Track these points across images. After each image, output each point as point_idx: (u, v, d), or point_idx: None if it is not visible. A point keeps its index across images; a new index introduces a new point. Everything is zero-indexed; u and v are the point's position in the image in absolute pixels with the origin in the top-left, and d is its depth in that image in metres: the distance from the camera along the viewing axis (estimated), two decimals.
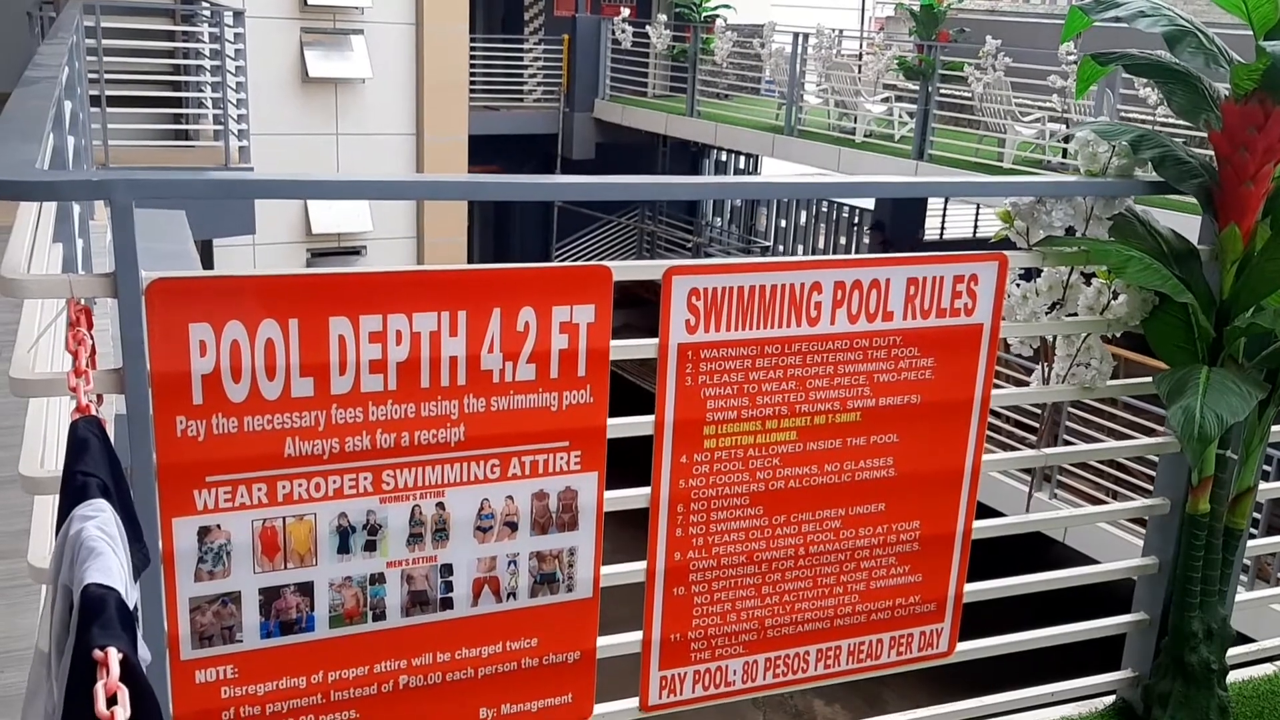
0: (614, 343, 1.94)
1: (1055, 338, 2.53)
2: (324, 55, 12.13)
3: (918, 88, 12.33)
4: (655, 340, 2.00)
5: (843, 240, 18.03)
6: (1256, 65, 2.23)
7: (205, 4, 10.04)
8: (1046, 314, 2.42)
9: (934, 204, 17.37)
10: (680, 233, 18.44)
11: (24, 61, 9.85)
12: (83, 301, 1.64)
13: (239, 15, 8.86)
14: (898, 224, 16.49)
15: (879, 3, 23.81)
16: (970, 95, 11.86)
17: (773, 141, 14.10)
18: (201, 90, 10.12)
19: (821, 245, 18.52)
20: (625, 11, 16.58)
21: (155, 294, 1.62)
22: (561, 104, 17.23)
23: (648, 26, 16.21)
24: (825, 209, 18.25)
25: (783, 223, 19.25)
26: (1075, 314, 2.46)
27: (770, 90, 17.85)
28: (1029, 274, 2.46)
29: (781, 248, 18.95)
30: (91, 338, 1.60)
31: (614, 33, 16.69)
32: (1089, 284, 2.45)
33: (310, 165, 12.09)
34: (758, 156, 18.70)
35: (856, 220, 17.44)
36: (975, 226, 17.56)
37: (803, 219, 18.70)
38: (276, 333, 1.69)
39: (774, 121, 14.37)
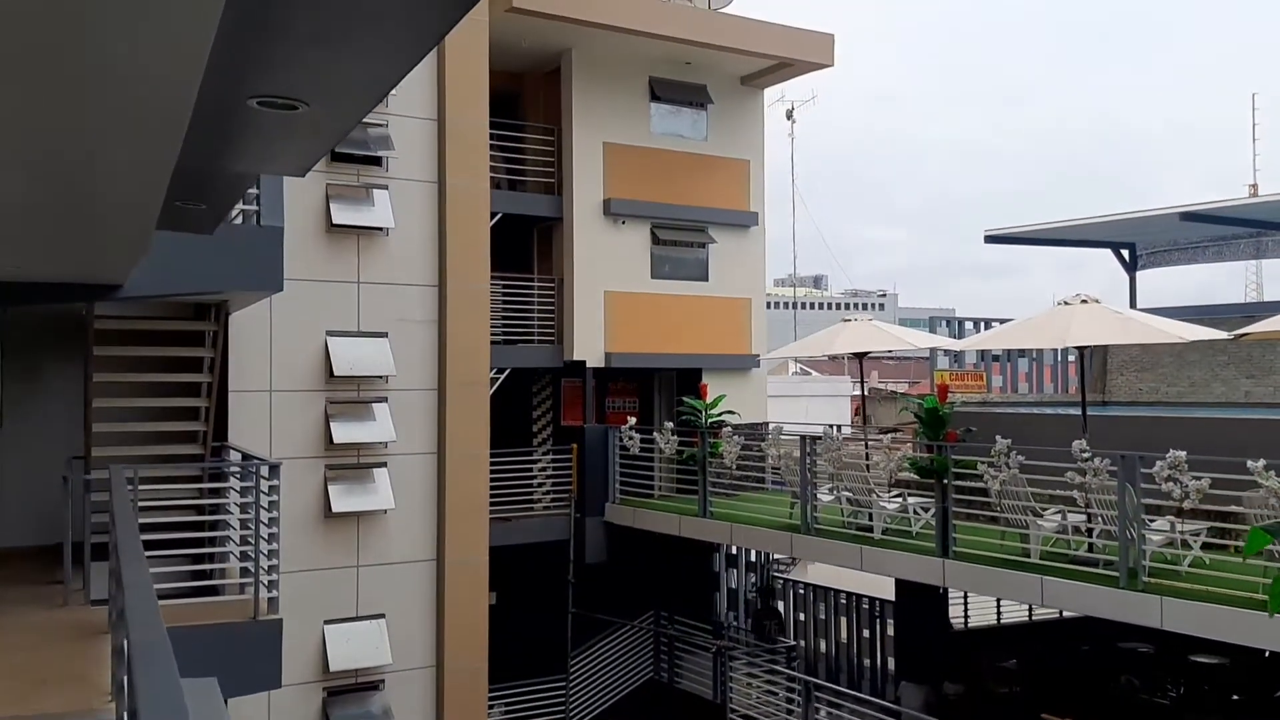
0: None
1: None
2: (348, 206, 12.83)
3: (932, 483, 12.54)
4: None
5: (865, 633, 17.63)
6: None
7: (236, 458, 10.28)
8: None
9: (955, 593, 17.12)
10: (698, 634, 17.97)
11: (57, 517, 9.89)
12: None
13: (275, 468, 9.02)
14: (920, 614, 16.15)
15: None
16: (986, 491, 12.02)
17: (791, 540, 14.12)
18: (227, 534, 10.14)
19: (844, 639, 18.08)
20: (632, 420, 17.16)
21: None
22: (572, 510, 17.41)
23: (655, 433, 16.74)
24: (844, 600, 17.99)
25: (801, 616, 18.92)
26: None
27: (777, 484, 18.22)
28: None
29: (802, 643, 18.48)
30: None
31: (621, 439, 17.20)
32: None
33: (332, 311, 12.63)
34: (768, 553, 18.73)
35: (879, 611, 17.13)
36: (998, 615, 17.22)
37: (821, 611, 18.38)
38: None
39: (788, 520, 14.48)
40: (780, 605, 19.26)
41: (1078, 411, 12.23)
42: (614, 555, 17.36)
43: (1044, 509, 11.75)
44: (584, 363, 17.71)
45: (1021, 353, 19.54)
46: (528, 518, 17.23)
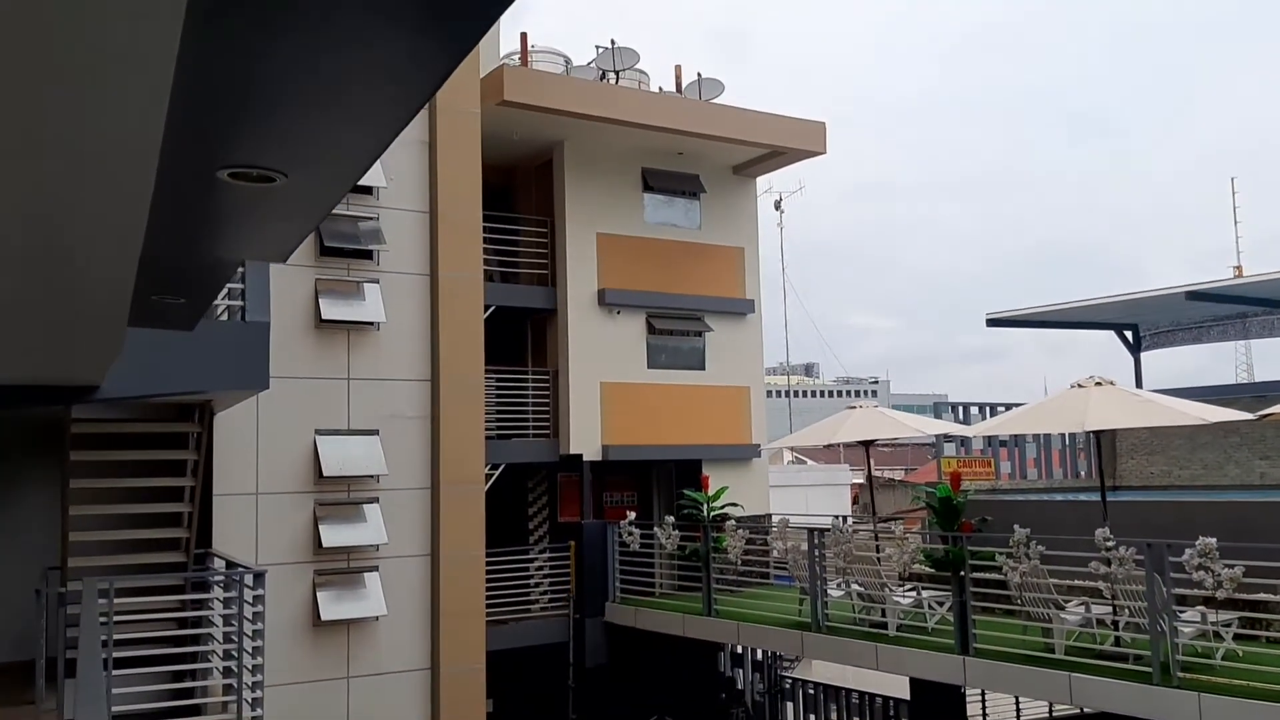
0: None
1: None
2: (337, 301, 12.46)
3: (947, 575, 12.03)
4: None
5: None
6: None
7: (220, 565, 9.77)
8: None
9: (973, 690, 16.42)
10: None
11: (31, 631, 9.33)
12: None
13: (260, 576, 8.52)
14: (938, 712, 15.45)
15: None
16: (1005, 583, 11.52)
17: (802, 640, 13.53)
18: (210, 647, 9.58)
19: None
20: (631, 514, 16.65)
21: None
22: (571, 610, 16.78)
23: (655, 528, 16.21)
24: (857, 700, 17.25)
25: (811, 718, 18.13)
26: None
27: (781, 577, 17.63)
28: None
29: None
30: None
31: (621, 535, 16.67)
32: None
33: (321, 409, 12.24)
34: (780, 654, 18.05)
35: (893, 712, 16.39)
36: (1018, 712, 16.51)
37: (833, 713, 17.61)
38: None
39: (798, 617, 13.90)
40: (790, 706, 18.47)
41: (1091, 497, 11.83)
42: (615, 657, 16.69)
43: (1066, 600, 11.24)
44: (581, 456, 17.26)
45: (1031, 438, 19.18)
46: (524, 619, 16.58)
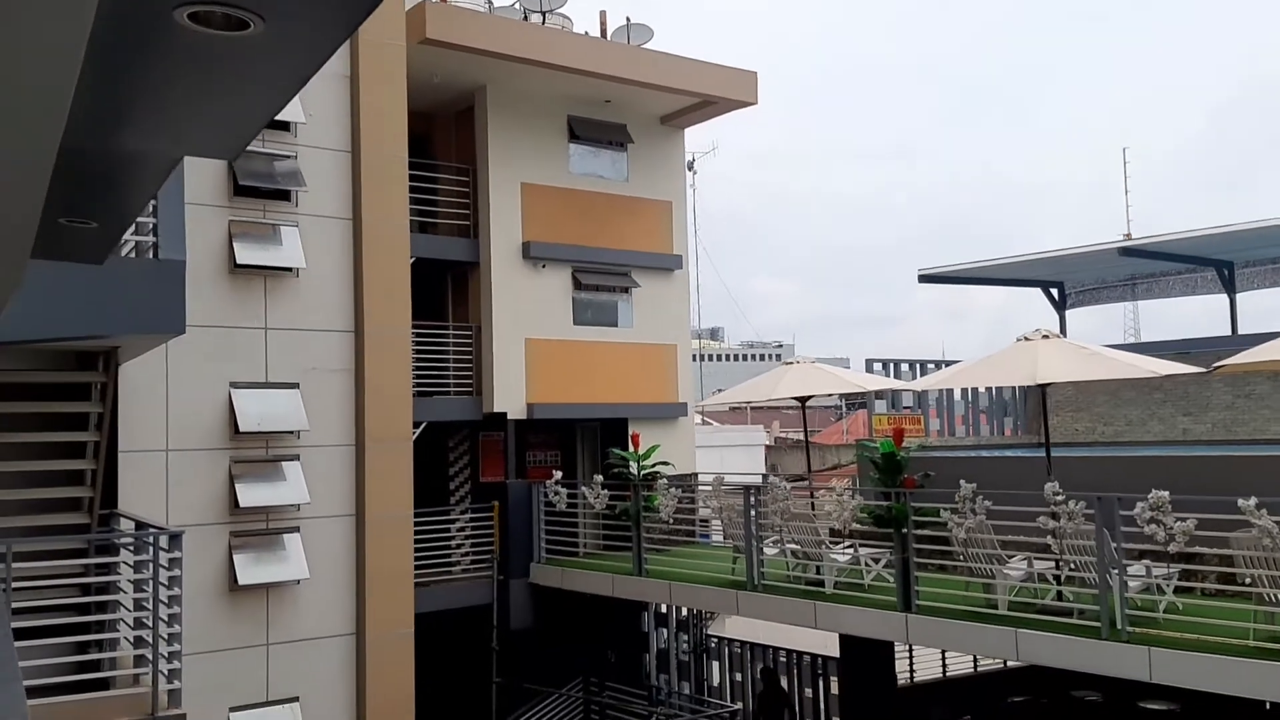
0: None
1: None
2: (253, 245, 11.63)
3: (885, 532, 11.87)
4: None
5: (809, 691, 16.79)
6: None
7: (128, 526, 9.00)
8: None
9: (901, 646, 16.44)
10: (632, 700, 16.89)
11: None
12: None
13: (176, 538, 7.81)
14: (867, 669, 15.40)
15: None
16: (946, 539, 11.38)
17: (737, 598, 13.26)
18: (119, 615, 8.83)
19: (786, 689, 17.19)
20: (557, 474, 16.17)
21: None
22: (495, 572, 16.27)
23: (583, 488, 15.77)
24: (785, 659, 17.14)
25: (738, 676, 17.99)
26: None
27: (705, 537, 17.37)
28: None
29: (740, 705, 17.53)
30: None
31: (547, 495, 16.20)
32: None
33: (236, 361, 11.42)
34: (702, 611, 17.84)
35: (821, 669, 16.32)
36: (944, 667, 16.58)
37: (758, 670, 17.47)
38: None
39: (731, 575, 13.64)
40: (715, 665, 18.32)
41: (1026, 454, 11.74)
42: (539, 619, 16.25)
43: (1009, 556, 11.15)
44: (505, 415, 16.68)
45: (960, 395, 19.20)
46: (446, 582, 16.00)
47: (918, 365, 18.90)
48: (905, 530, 11.31)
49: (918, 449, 13.68)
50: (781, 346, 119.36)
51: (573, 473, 17.97)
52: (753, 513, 12.97)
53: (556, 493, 15.99)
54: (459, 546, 16.47)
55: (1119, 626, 9.59)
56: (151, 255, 7.90)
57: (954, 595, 11.34)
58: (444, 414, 16.36)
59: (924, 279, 19.99)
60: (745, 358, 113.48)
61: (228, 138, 3.19)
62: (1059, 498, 10.01)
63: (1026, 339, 10.91)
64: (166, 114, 2.96)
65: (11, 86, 2.59)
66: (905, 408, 19.20)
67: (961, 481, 10.92)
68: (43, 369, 9.19)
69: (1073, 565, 10.47)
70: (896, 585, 11.47)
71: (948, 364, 18.11)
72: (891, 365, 18.85)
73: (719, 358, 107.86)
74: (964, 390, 19.10)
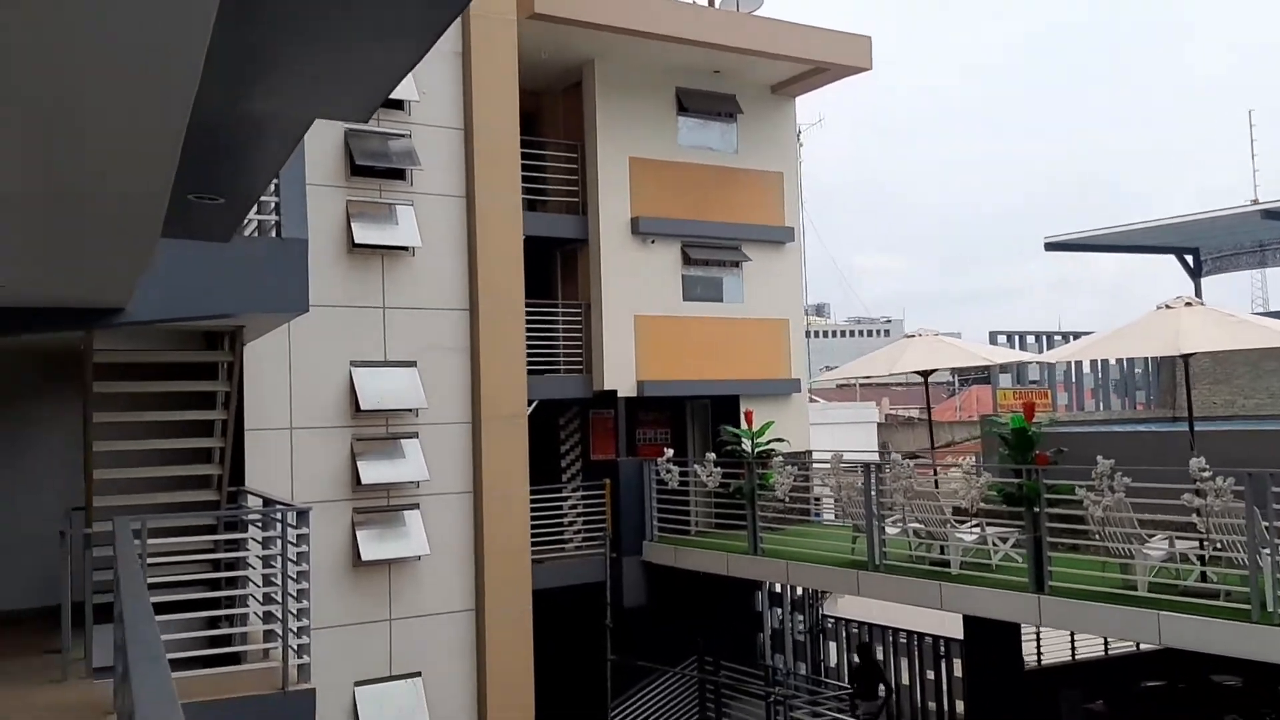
0: None
1: None
2: (370, 224, 11.73)
3: (1015, 511, 11.40)
4: None
5: (929, 674, 16.38)
6: None
7: (255, 503, 9.13)
8: None
9: (1027, 628, 15.89)
10: (747, 680, 16.71)
11: (54, 576, 8.74)
12: None
13: (304, 514, 7.87)
14: (992, 652, 14.92)
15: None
16: (1080, 518, 10.88)
17: (858, 578, 12.93)
18: (248, 591, 8.99)
19: (905, 680, 16.83)
20: (669, 452, 16.00)
21: None
22: (607, 550, 16.21)
23: (695, 466, 15.58)
24: (904, 640, 16.75)
25: (855, 657, 17.64)
26: None
27: (817, 516, 17.02)
28: None
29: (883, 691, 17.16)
30: None
31: (658, 473, 16.05)
32: None
33: (356, 340, 11.60)
34: (818, 591, 17.54)
35: (943, 651, 15.89)
36: (1073, 649, 15.98)
37: (879, 652, 17.12)
38: None
39: (850, 555, 13.31)
40: (833, 646, 18.01)
41: (1163, 429, 11.12)
42: (652, 597, 16.16)
43: (1150, 535, 10.59)
44: (615, 392, 16.58)
45: (1089, 368, 18.40)
46: (559, 559, 16.01)
47: (1044, 337, 18.17)
48: (1037, 509, 10.84)
49: (1049, 424, 13.12)
50: (890, 322, 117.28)
51: (683, 450, 17.80)
52: (874, 491, 12.62)
53: (668, 470, 15.83)
54: (571, 524, 16.47)
55: (1270, 609, 9.02)
56: (274, 234, 7.94)
57: (1089, 576, 10.84)
58: (554, 392, 16.33)
59: (1050, 246, 19.19)
60: (852, 334, 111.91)
61: (360, 97, 3.05)
62: (1205, 474, 9.44)
63: (1167, 307, 10.31)
64: (301, 73, 2.83)
65: (144, 49, 2.48)
66: (1031, 382, 18.49)
67: (1099, 458, 10.39)
68: (171, 349, 9.37)
69: (1219, 545, 9.89)
70: (1028, 565, 11.00)
71: (1073, 336, 17.35)
72: (1017, 337, 18.15)
73: (825, 334, 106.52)
74: (1093, 363, 18.31)
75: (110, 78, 2.66)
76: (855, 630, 17.76)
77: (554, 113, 17.56)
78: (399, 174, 12.03)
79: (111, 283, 6.30)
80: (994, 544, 12.04)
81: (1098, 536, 10.74)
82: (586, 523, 16.40)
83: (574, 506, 16.56)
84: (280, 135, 4.01)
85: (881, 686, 15.87)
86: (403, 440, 11.65)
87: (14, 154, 3.43)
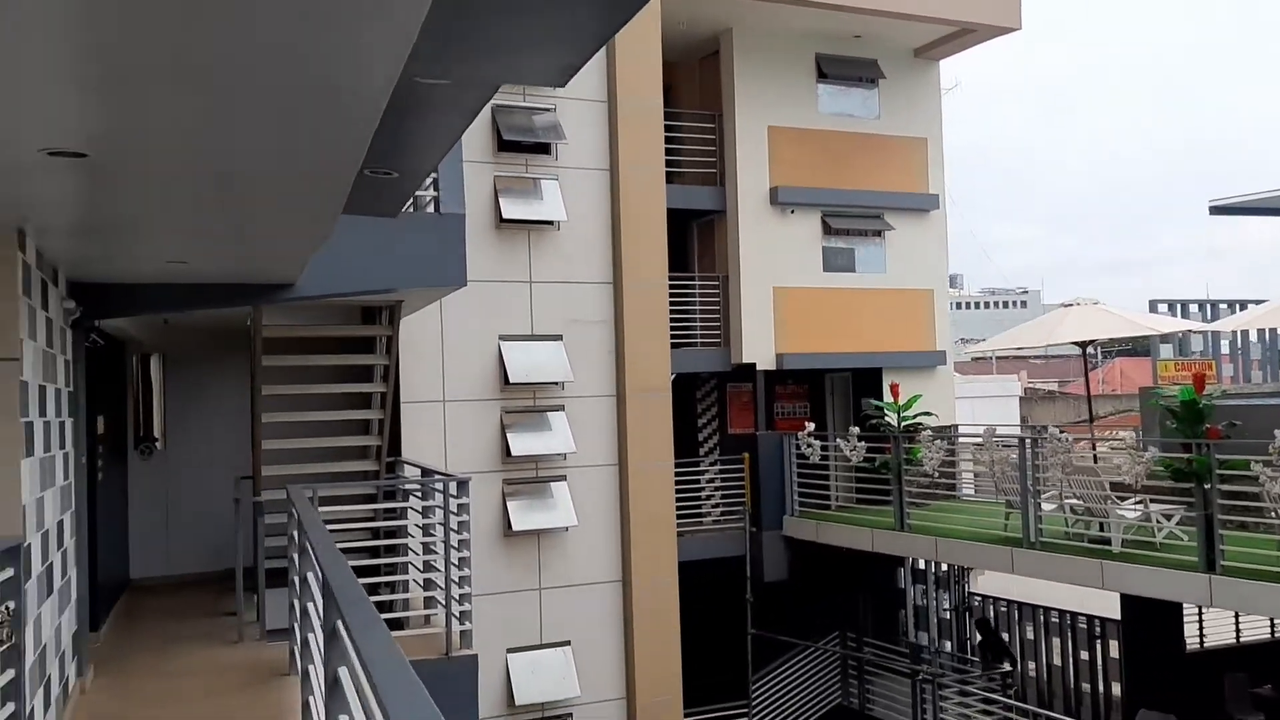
0: None
1: None
2: (517, 199, 11.84)
3: (1181, 488, 10.87)
4: None
5: (1084, 654, 15.85)
6: None
7: (413, 474, 9.34)
8: None
9: (1188, 609, 15.21)
10: (890, 657, 16.46)
11: (225, 542, 9.13)
12: None
13: (464, 484, 8.02)
14: (1152, 633, 14.33)
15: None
16: (1254, 495, 10.31)
17: (1012, 556, 12.55)
18: (408, 559, 9.22)
19: (1057, 661, 16.33)
20: (810, 425, 15.79)
21: None
22: (746, 524, 16.12)
23: (838, 440, 15.34)
24: (1056, 619, 16.25)
25: (1005, 635, 17.20)
26: None
27: (961, 492, 16.57)
28: None
29: (1008, 666, 16.75)
30: None
31: (799, 447, 15.86)
32: None
33: (504, 314, 11.80)
34: (965, 568, 17.13)
35: (1099, 631, 15.34)
36: (1237, 632, 15.23)
37: (1029, 631, 16.66)
38: None
39: (1003, 532, 12.92)
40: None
41: None
42: (793, 572, 16.02)
43: None
44: (754, 365, 16.42)
45: (1256, 338, 17.40)
46: (697, 533, 16.00)
47: (1207, 305, 17.26)
48: (1208, 485, 10.31)
49: (1219, 396, 12.45)
50: (1026, 293, 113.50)
51: (822, 424, 17.56)
52: (1030, 466, 12.20)
53: (809, 444, 15.63)
54: (708, 498, 16.43)
55: None
56: (432, 210, 8.07)
57: (1262, 555, 10.27)
58: (692, 365, 16.25)
59: (1216, 210, 18.14)
60: (986, 305, 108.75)
61: (562, 61, 3.01)
62: None
63: None
64: (505, 35, 2.81)
65: (364, 21, 2.48)
66: (1194, 352, 17.60)
67: (1277, 432, 9.82)
68: (331, 324, 9.65)
69: None
70: (1198, 544, 10.49)
71: (1239, 305, 16.38)
72: (1179, 306, 17.26)
73: (959, 306, 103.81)
74: (1260, 332, 17.31)
75: (321, 48, 2.67)
76: (1004, 609, 17.30)
77: (690, 83, 17.41)
78: (544, 148, 12.11)
79: (287, 260, 6.48)
80: (1158, 521, 11.53)
81: (1274, 514, 10.17)
82: (724, 497, 16.34)
83: (711, 480, 16.52)
84: (462, 107, 4.02)
85: (1007, 659, 15.61)
86: (549, 413, 11.78)
87: (222, 135, 3.51)
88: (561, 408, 11.88)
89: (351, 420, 9.61)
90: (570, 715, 11.33)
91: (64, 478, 6.40)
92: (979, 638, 15.99)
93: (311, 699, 5.10)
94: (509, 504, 11.12)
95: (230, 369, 10.71)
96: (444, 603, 7.96)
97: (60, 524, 6.27)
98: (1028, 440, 12.38)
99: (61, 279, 6.51)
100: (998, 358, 49.48)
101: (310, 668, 5.17)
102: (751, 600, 15.92)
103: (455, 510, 8.04)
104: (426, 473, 9.19)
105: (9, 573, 4.66)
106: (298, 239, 5.72)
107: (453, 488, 8.06)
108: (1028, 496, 12.23)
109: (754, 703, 15.81)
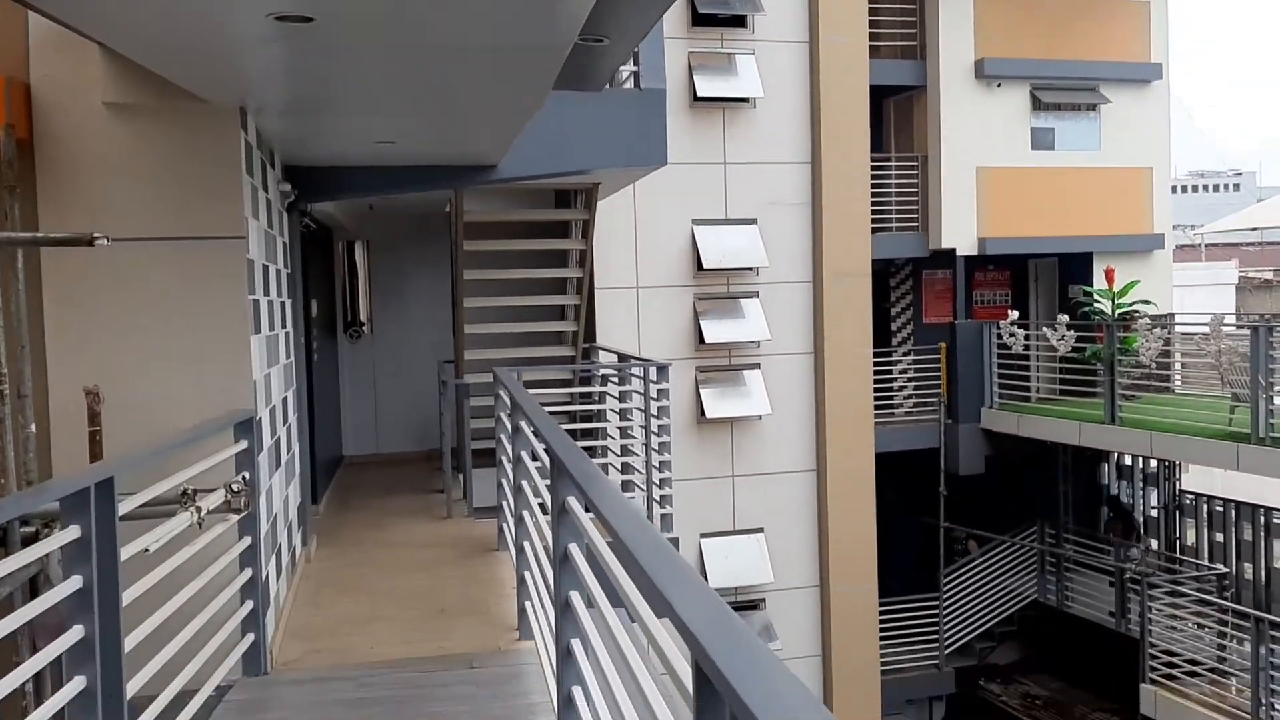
0: None
1: None
2: (712, 76, 11.49)
3: None
4: None
5: None
6: None
7: (610, 359, 9.30)
8: None
9: None
10: (1091, 554, 15.80)
11: (429, 422, 9.34)
12: None
13: (664, 370, 7.90)
14: None
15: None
16: None
17: (1238, 452, 11.69)
18: (606, 444, 9.27)
19: (1278, 564, 15.30)
20: (1013, 314, 15.00)
21: None
22: (941, 416, 15.59)
23: (1045, 329, 14.53)
24: (1279, 520, 15.16)
25: (1218, 536, 16.22)
26: None
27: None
28: None
29: (1222, 566, 15.84)
30: None
31: (1000, 336, 15.13)
32: None
33: (697, 197, 11.55)
34: (1175, 464, 16.15)
35: None
36: None
37: (1246, 532, 15.63)
38: None
39: (1228, 427, 12.03)
40: (1191, 524, 16.62)
41: None
42: (990, 465, 15.46)
43: None
44: (954, 251, 15.65)
45: None
46: (889, 424, 15.56)
47: None
48: None
49: None
50: (1240, 175, 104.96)
51: (1024, 312, 16.69)
52: (1264, 356, 11.24)
53: (1012, 334, 14.88)
54: (901, 389, 15.95)
55: None
56: (630, 86, 7.81)
57: None
58: (887, 251, 15.58)
59: None
60: (1194, 189, 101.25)
61: None
62: None
63: None
64: None
65: None
66: None
67: None
68: (526, 208, 9.61)
69: None
70: None
71: None
72: None
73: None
74: None
75: None
76: (1219, 508, 16.28)
77: None
78: (740, 21, 11.59)
79: (492, 138, 6.38)
80: None
81: None
82: (918, 388, 15.83)
83: (904, 371, 16.01)
84: None
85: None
86: (743, 299, 11.53)
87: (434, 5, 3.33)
88: (756, 294, 11.60)
89: (548, 305, 9.62)
90: (764, 600, 11.33)
91: (286, 356, 6.60)
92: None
93: (528, 573, 5.14)
94: (702, 391, 11.02)
95: (429, 256, 10.88)
96: (643, 487, 7.95)
97: (285, 400, 6.49)
98: (1261, 329, 11.38)
99: (278, 161, 6.61)
100: (1207, 245, 46.18)
101: (526, 544, 5.20)
102: (945, 493, 15.50)
103: (655, 396, 7.96)
104: (622, 358, 9.13)
105: (243, 444, 4.81)
106: (507, 114, 5.57)
107: (652, 373, 7.97)
108: (1258, 390, 11.30)
109: (945, 594, 15.52)
